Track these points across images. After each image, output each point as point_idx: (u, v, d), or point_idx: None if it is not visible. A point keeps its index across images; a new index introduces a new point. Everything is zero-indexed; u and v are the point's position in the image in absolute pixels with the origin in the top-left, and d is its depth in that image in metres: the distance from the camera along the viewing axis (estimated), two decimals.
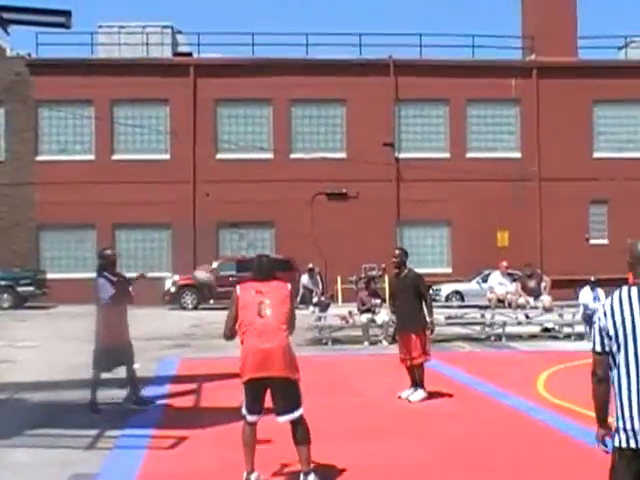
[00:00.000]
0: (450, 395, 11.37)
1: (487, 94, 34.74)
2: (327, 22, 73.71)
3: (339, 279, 31.39)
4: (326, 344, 18.50)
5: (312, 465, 6.89)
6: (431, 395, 11.13)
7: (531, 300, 20.40)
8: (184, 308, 30.16)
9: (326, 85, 33.92)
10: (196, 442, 8.55)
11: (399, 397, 11.12)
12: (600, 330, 4.41)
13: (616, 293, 4.47)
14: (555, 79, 34.94)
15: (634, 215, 33.92)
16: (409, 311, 11.18)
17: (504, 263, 21.73)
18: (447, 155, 35.15)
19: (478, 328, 20.17)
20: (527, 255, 29.98)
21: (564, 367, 14.53)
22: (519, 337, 19.46)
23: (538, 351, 17.33)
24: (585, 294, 19.92)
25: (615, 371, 4.37)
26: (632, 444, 4.30)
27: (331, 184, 33.93)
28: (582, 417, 9.85)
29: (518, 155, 35.45)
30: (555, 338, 19.77)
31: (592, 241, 35.12)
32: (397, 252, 11.55)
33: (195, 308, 30.22)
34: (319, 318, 19.73)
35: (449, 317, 21.06)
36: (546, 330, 20.49)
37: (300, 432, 6.85)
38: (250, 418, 6.91)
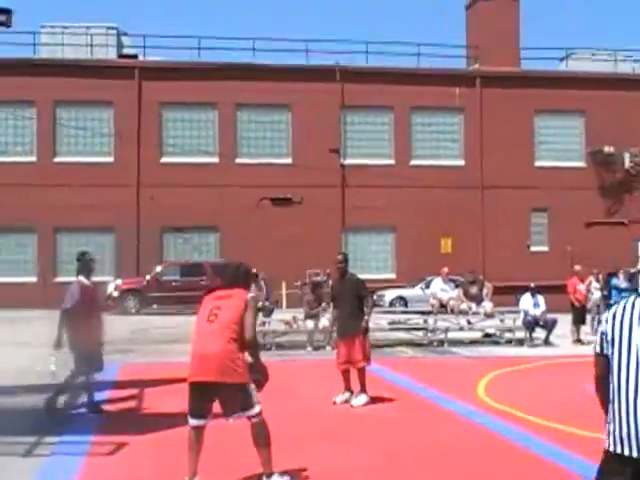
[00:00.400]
0: (392, 400, 11.43)
1: (431, 102, 35.07)
2: (274, 27, 73.69)
3: (284, 284, 31.37)
4: (270, 349, 18.45)
5: (273, 467, 6.94)
6: (373, 400, 11.17)
7: (473, 306, 20.64)
8: (127, 313, 29.82)
9: (272, 90, 33.91)
10: (136, 448, 8.46)
11: (334, 403, 11.14)
12: (601, 333, 4.58)
13: (623, 301, 4.64)
14: (498, 88, 35.43)
15: (572, 223, 34.61)
16: (350, 315, 11.22)
17: (445, 269, 21.95)
18: (392, 162, 35.38)
19: (421, 333, 20.36)
20: (470, 261, 30.33)
21: (504, 372, 14.73)
22: (461, 342, 19.67)
23: (479, 356, 17.52)
24: (525, 300, 20.26)
25: (610, 376, 4.52)
26: (618, 449, 4.43)
27: (276, 189, 33.91)
28: (521, 421, 9.99)
29: (461, 163, 35.85)
30: (496, 343, 20.03)
31: (533, 248, 35.65)
32: (341, 257, 11.64)
33: (138, 312, 29.92)
34: (263, 323, 19.69)
35: (392, 322, 21.21)
36: (487, 336, 20.75)
37: (256, 434, 6.87)
38: (192, 422, 6.88)
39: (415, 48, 36.52)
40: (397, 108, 35.24)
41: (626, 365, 4.41)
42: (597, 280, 24.28)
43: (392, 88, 34.49)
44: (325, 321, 17.96)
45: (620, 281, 24.55)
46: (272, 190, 33.89)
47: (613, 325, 4.51)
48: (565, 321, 20.89)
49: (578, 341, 20.65)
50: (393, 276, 34.68)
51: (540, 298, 20.21)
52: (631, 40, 79.82)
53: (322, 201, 33.90)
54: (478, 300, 20.79)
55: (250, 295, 7.17)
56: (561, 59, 38.50)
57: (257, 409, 6.89)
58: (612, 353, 4.49)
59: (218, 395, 6.82)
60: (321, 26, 75.01)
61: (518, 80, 35.61)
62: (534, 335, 20.00)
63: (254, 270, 26.53)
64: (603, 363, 4.54)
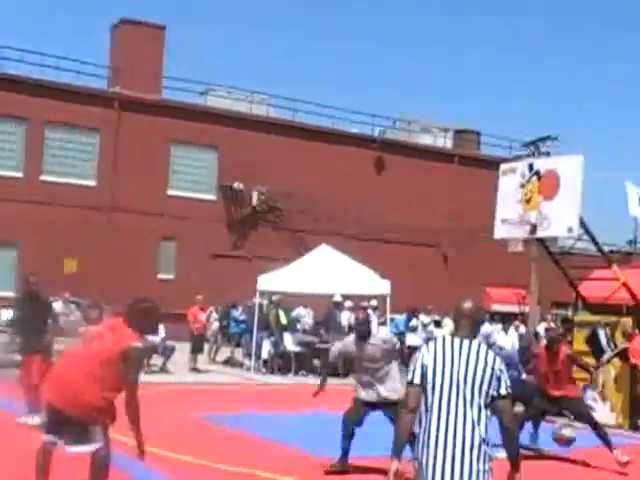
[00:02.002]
0: None
1: (69, 118, 34.17)
2: None
3: None
4: None
5: None
6: None
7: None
8: None
9: None
10: None
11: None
12: (422, 366, 4.71)
13: (440, 339, 4.83)
14: (137, 114, 35.45)
15: (199, 253, 35.48)
16: (36, 334, 11.82)
17: (66, 294, 21.90)
18: (20, 175, 33.87)
19: None
20: (96, 284, 29.79)
21: (119, 398, 14.55)
22: None
23: None
24: None
25: (426, 411, 4.63)
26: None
27: None
28: (127, 446, 9.90)
29: (94, 183, 35.26)
30: None
31: (160, 275, 35.91)
32: (33, 279, 12.34)
33: None
34: None
35: None
36: None
37: None
38: None
39: (55, 61, 35.41)
40: (31, 120, 33.85)
41: (447, 397, 4.59)
42: (217, 311, 25.12)
43: (27, 99, 33.09)
44: None
45: (239, 312, 25.65)
46: None
47: (435, 362, 4.68)
48: (185, 349, 21.24)
49: (195, 369, 21.10)
50: (12, 294, 33.01)
51: (160, 326, 20.36)
52: (266, 83, 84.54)
53: None
54: (97, 324, 20.52)
55: (134, 345, 6.37)
56: (201, 93, 39.51)
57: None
58: (432, 390, 4.65)
59: None
60: None
61: (157, 108, 35.91)
62: (152, 362, 20.10)
63: None
64: (418, 392, 4.72)
